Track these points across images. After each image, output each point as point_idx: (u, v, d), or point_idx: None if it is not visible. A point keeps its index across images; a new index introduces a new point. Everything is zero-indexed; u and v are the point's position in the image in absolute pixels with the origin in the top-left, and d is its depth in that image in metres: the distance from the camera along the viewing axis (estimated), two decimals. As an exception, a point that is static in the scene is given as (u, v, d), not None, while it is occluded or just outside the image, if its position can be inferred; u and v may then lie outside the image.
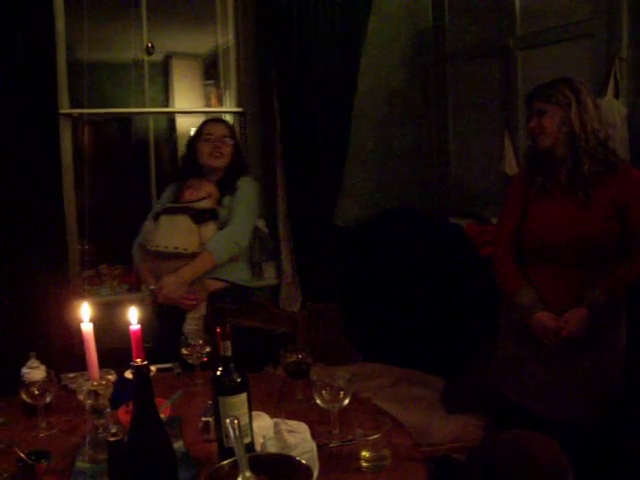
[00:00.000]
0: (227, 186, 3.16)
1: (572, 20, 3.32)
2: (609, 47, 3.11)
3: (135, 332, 1.73)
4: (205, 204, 3.08)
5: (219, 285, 3.08)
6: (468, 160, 4.17)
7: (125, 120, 4.92)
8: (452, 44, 4.19)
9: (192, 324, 3.01)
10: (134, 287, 3.87)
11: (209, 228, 3.04)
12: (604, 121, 2.50)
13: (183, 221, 3.01)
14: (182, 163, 3.32)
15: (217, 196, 3.14)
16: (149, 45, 4.09)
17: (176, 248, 2.97)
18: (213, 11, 4.24)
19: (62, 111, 3.58)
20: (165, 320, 3.03)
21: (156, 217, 3.09)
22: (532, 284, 2.47)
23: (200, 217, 3.03)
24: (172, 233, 3.01)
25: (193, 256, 2.99)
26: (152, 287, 3.02)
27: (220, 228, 3.07)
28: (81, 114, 3.92)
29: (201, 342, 2.30)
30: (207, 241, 3.00)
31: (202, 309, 3.03)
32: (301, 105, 3.80)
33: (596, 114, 2.38)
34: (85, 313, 1.82)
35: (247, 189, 3.19)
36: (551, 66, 3.41)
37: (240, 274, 3.18)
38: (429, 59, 4.34)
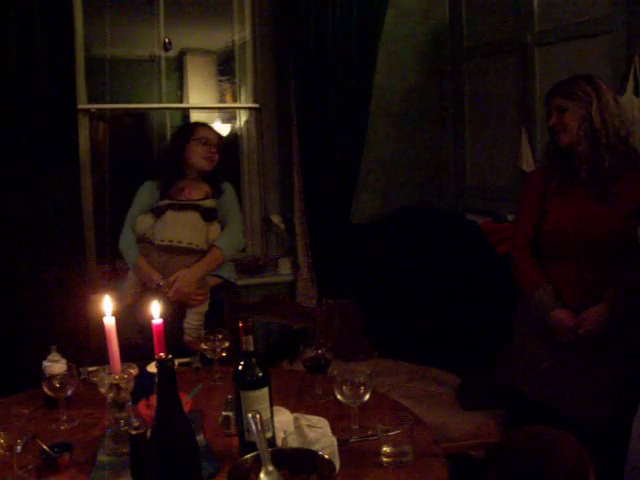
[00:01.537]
0: (216, 189, 3.24)
1: (591, 16, 3.29)
2: (628, 44, 3.07)
3: (157, 326, 1.75)
4: (210, 203, 3.16)
5: (216, 281, 3.16)
6: (485, 157, 4.15)
7: (142, 116, 4.93)
8: (469, 40, 4.17)
9: (194, 319, 3.06)
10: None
11: (215, 227, 3.14)
12: (624, 118, 2.49)
13: (194, 218, 3.07)
14: (169, 162, 3.30)
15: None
16: (166, 41, 4.09)
17: (190, 243, 3.04)
18: (229, 7, 4.25)
19: (80, 106, 3.60)
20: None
21: (157, 212, 3.11)
22: (550, 281, 2.46)
23: (209, 215, 3.12)
24: (184, 228, 3.05)
25: (202, 252, 3.06)
26: (161, 282, 3.02)
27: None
28: (99, 109, 3.93)
29: (220, 337, 2.30)
30: (215, 239, 3.10)
31: (205, 305, 3.09)
32: (318, 101, 3.80)
33: (617, 111, 2.37)
34: (107, 307, 1.83)
35: (233, 194, 3.31)
36: (569, 63, 3.39)
37: (230, 272, 3.27)
38: (446, 55, 4.33)
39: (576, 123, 2.37)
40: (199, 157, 3.20)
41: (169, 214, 3.08)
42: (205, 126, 3.36)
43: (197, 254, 3.06)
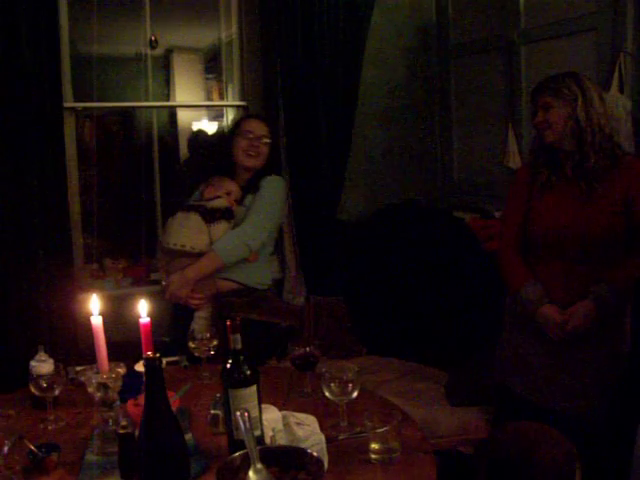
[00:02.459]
0: (251, 185, 3.08)
1: (576, 14, 3.31)
2: (614, 41, 3.10)
3: (145, 325, 1.74)
4: (219, 203, 3.01)
5: (230, 286, 3.03)
6: (471, 154, 4.17)
7: (128, 114, 4.92)
8: (456, 38, 4.18)
9: (199, 323, 2.98)
10: (138, 281, 3.87)
11: (220, 227, 2.97)
12: (609, 115, 2.50)
13: (194, 219, 2.96)
14: (215, 160, 3.25)
15: (238, 195, 3.06)
16: (152, 39, 4.07)
17: (183, 246, 2.94)
18: (216, 4, 4.24)
19: (66, 104, 3.57)
20: (178, 315, 3.05)
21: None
22: (537, 278, 2.47)
23: (211, 216, 2.96)
24: (183, 231, 2.97)
25: (201, 255, 2.95)
26: (163, 283, 3.05)
27: (234, 228, 3.01)
28: (85, 107, 3.91)
29: (208, 335, 2.30)
30: (215, 241, 2.95)
31: (210, 309, 3.00)
32: (305, 99, 3.80)
33: (602, 109, 2.38)
34: (95, 306, 1.82)
35: (270, 189, 3.07)
36: (555, 60, 3.40)
37: (254, 276, 3.09)
38: (432, 53, 4.34)
39: (561, 121, 2.37)
40: (241, 151, 3.06)
41: (177, 216, 3.02)
42: (252, 117, 3.25)
43: (195, 257, 2.95)
